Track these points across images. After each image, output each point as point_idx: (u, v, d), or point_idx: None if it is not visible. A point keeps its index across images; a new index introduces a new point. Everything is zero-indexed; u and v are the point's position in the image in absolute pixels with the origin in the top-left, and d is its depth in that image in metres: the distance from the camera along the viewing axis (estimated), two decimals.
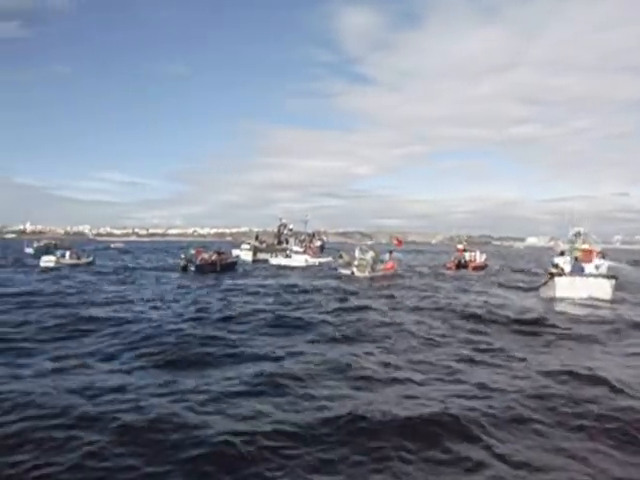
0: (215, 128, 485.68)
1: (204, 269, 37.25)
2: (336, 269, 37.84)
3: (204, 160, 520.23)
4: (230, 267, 40.58)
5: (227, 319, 16.69)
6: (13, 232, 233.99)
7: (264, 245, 60.94)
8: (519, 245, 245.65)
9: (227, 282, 30.73)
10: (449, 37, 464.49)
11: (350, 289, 26.87)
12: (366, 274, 33.63)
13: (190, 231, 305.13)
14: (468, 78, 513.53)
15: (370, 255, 35.24)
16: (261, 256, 56.83)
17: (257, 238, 63.18)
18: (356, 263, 34.47)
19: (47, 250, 61.96)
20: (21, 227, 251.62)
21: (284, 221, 63.59)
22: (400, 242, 54.95)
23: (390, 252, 38.80)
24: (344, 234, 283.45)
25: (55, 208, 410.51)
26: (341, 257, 36.88)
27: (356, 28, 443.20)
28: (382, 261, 36.12)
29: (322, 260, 57.78)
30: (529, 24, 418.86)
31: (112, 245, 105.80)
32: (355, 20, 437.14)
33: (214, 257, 39.33)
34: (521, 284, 31.90)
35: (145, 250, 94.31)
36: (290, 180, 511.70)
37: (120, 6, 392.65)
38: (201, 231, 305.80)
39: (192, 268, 37.36)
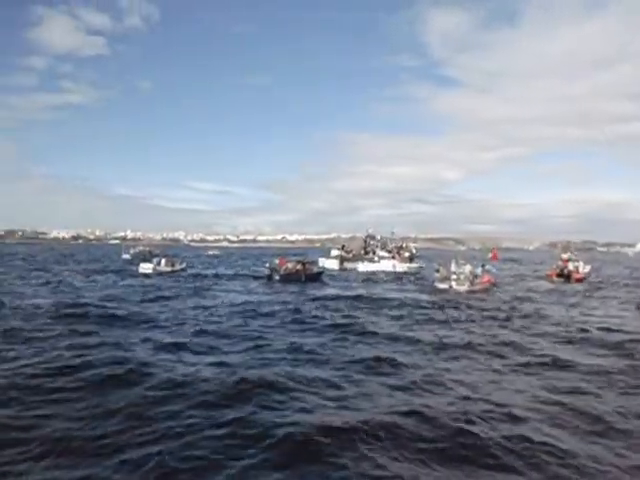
0: (299, 137, 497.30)
1: (288, 278, 37.29)
2: (432, 282, 36.07)
3: (290, 168, 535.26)
4: (315, 277, 39.92)
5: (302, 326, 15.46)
6: (116, 238, 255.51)
7: (351, 254, 61.63)
8: (628, 251, 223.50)
9: (310, 292, 30.32)
10: (545, 34, 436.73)
11: (451, 305, 24.98)
12: (465, 288, 31.91)
13: (279, 237, 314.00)
14: (565, 76, 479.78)
15: (468, 268, 33.51)
16: (348, 265, 57.71)
17: (343, 248, 64.22)
18: (454, 277, 32.81)
19: (144, 257, 66.54)
20: (122, 234, 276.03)
21: (371, 231, 62.75)
22: (496, 255, 52.42)
23: (483, 266, 36.34)
24: (435, 240, 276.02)
25: (151, 216, 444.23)
26: (438, 271, 35.09)
27: (442, 30, 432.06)
28: (476, 275, 33.88)
29: (412, 266, 55.72)
30: (635, 15, 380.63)
31: (209, 252, 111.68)
32: (441, 22, 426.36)
33: (298, 267, 39.15)
34: None
35: (237, 257, 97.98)
36: (377, 187, 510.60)
37: (200, 22, 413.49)
38: (290, 238, 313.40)
39: (277, 277, 37.82)
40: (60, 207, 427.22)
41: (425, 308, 24.02)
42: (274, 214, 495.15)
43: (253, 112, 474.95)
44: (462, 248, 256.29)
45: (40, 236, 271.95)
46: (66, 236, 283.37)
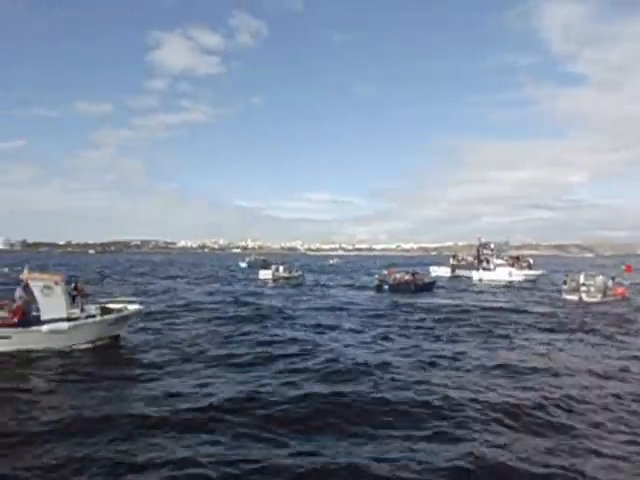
0: (413, 144, 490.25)
1: (397, 289, 37.61)
2: (559, 292, 34.51)
3: (404, 176, 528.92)
4: (427, 287, 39.76)
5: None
6: (237, 247, 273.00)
7: (463, 263, 61.04)
8: None
9: (421, 302, 30.44)
10: None
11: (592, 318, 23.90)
12: (597, 299, 30.53)
13: (394, 246, 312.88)
14: None
15: (601, 279, 31.77)
16: (461, 272, 57.35)
17: (455, 257, 64.51)
18: (584, 288, 31.28)
19: (259, 265, 74.51)
20: (243, 243, 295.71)
21: (483, 240, 60.96)
22: (630, 268, 47.86)
23: (613, 278, 33.85)
24: (557, 247, 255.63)
25: (270, 226, 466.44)
26: (565, 283, 33.53)
27: (560, 24, 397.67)
28: (608, 287, 31.81)
29: (530, 273, 52.88)
30: None
31: (330, 261, 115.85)
32: (559, 15, 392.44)
33: (407, 277, 39.28)
34: None
35: (354, 266, 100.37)
36: (494, 193, 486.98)
37: (304, 33, 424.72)
38: (405, 246, 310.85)
39: (386, 287, 38.40)
40: (187, 219, 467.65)
41: (567, 323, 22.73)
42: (389, 222, 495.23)
43: (363, 121, 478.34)
44: (589, 255, 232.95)
45: (169, 246, 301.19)
46: (193, 245, 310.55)
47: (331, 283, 48.99)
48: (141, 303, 18.73)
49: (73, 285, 16.91)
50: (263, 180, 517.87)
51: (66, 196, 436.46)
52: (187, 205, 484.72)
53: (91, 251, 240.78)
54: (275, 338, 17.69)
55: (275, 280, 48.10)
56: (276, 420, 9.34)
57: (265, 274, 50.01)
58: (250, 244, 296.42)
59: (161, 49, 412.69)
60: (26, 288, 15.43)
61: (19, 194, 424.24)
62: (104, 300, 18.35)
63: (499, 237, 65.38)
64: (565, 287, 33.51)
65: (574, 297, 31.55)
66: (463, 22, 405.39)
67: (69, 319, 15.22)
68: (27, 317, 15.11)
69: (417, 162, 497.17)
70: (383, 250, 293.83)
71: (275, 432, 8.82)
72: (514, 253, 62.27)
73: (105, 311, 16.52)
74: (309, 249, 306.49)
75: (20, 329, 14.66)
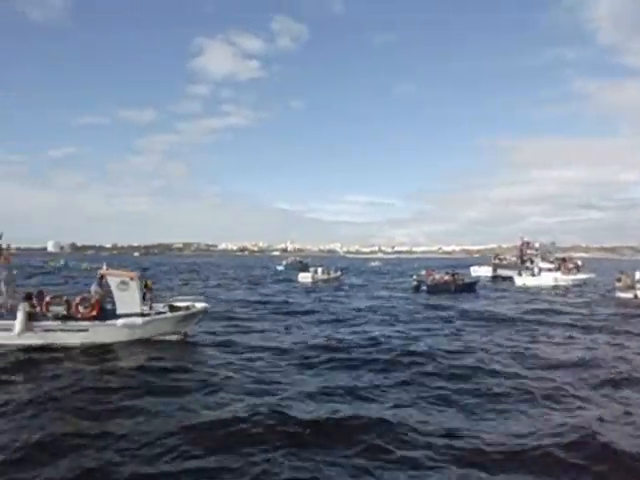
0: (453, 146, 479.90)
1: (436, 290, 37.20)
2: (613, 291, 33.68)
3: (444, 178, 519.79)
4: (467, 288, 39.15)
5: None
6: (277, 250, 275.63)
7: (505, 262, 59.62)
8: None
9: (461, 303, 30.04)
10: None
11: None
12: None
13: (435, 249, 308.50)
14: None
15: None
16: (502, 273, 55.79)
17: (497, 256, 63.33)
18: (639, 285, 30.63)
19: (301, 266, 74.80)
20: (283, 246, 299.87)
21: (526, 239, 59.38)
22: None
23: None
24: (609, 249, 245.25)
25: (309, 229, 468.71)
26: (619, 280, 32.55)
27: (608, 14, 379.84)
28: None
29: (578, 278, 50.68)
30: None
31: (372, 263, 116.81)
32: (606, 5, 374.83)
33: (446, 278, 38.82)
34: None
35: (393, 268, 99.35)
36: (540, 193, 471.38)
37: (344, 35, 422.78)
38: (446, 248, 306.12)
39: (424, 288, 38.08)
40: (228, 221, 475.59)
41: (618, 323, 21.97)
42: (429, 224, 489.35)
43: (403, 122, 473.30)
44: None
45: (210, 248, 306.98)
46: (233, 248, 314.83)
47: (369, 284, 49.14)
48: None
49: (143, 283, 17.66)
50: (304, 182, 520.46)
51: (112, 200, 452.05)
52: (229, 208, 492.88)
53: (136, 253, 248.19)
54: (343, 337, 18.02)
55: (314, 282, 48.73)
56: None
57: (304, 276, 50.78)
58: (289, 247, 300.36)
59: (204, 55, 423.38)
60: (101, 283, 16.26)
61: (68, 199, 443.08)
62: (167, 298, 19.18)
63: (545, 238, 62.93)
64: (619, 285, 32.59)
65: (629, 295, 30.82)
66: (507, 21, 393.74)
67: (142, 314, 15.89)
68: (103, 311, 15.84)
69: (459, 163, 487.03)
70: (423, 253, 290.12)
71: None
72: (561, 255, 60.22)
73: (172, 309, 17.07)
74: (348, 252, 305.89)
75: (97, 322, 15.41)
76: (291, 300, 31.56)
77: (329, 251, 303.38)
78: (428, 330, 19.77)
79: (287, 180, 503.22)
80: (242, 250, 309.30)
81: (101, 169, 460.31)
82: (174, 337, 16.73)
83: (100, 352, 14.62)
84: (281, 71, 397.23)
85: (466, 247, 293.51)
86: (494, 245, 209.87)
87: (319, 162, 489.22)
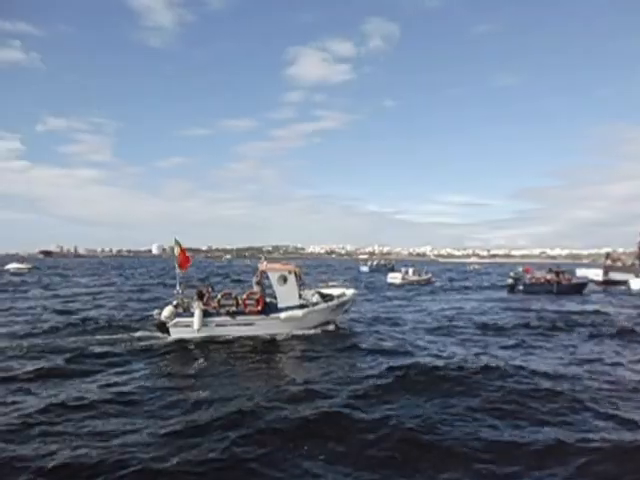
0: (561, 140, 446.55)
1: (535, 289, 32.44)
2: None
3: (550, 175, 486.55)
4: (574, 289, 33.88)
5: None
6: (364, 253, 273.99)
7: (619, 264, 53.30)
8: None
9: (567, 308, 25.69)
10: None
11: None
12: None
13: (537, 252, 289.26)
14: None
15: None
16: (616, 276, 49.83)
17: (608, 256, 57.66)
18: None
19: (389, 267, 75.51)
20: (371, 249, 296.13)
21: None
22: None
23: None
24: None
25: (398, 231, 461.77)
26: None
27: None
28: None
29: None
30: None
31: (469, 267, 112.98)
32: None
33: (549, 276, 33.70)
34: None
35: (493, 271, 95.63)
36: None
37: (437, 30, 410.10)
38: (550, 252, 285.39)
39: (520, 287, 33.42)
40: (317, 225, 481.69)
41: None
42: (531, 226, 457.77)
43: (502, 116, 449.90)
44: None
45: (299, 251, 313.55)
46: (320, 251, 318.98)
47: (459, 286, 46.93)
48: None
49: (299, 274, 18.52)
50: (394, 183, 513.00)
51: (212, 206, 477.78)
52: (318, 211, 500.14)
53: (228, 256, 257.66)
54: None
55: (403, 283, 47.39)
56: None
57: (393, 277, 49.95)
58: (377, 249, 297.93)
59: (297, 63, 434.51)
60: (261, 277, 17.49)
61: (173, 206, 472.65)
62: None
63: None
64: None
65: None
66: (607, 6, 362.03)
67: (302, 306, 16.93)
68: (267, 305, 16.98)
69: (568, 158, 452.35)
70: (523, 257, 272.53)
71: None
72: None
73: (322, 297, 17.95)
74: (439, 255, 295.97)
75: (262, 316, 16.64)
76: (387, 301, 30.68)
77: (418, 254, 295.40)
78: (522, 345, 16.12)
79: (377, 182, 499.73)
80: (329, 253, 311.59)
81: (203, 177, 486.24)
82: (330, 327, 17.79)
83: (266, 343, 15.88)
84: (372, 72, 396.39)
85: (574, 251, 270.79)
86: (608, 249, 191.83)
87: (411, 162, 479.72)
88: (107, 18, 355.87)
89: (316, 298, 17.65)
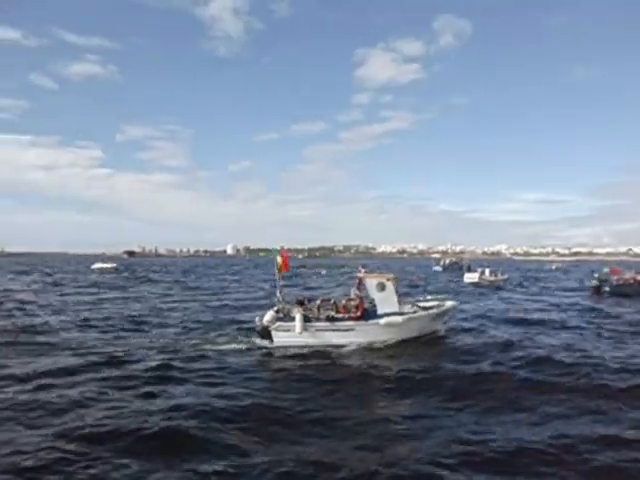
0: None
1: (623, 291, 31.44)
2: None
3: (628, 170, 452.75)
4: None
5: None
6: (436, 252, 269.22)
7: None
8: None
9: None
10: None
11: None
12: None
13: (623, 250, 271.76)
14: None
15: None
16: None
17: None
18: None
19: (458, 268, 75.20)
20: (443, 248, 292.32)
21: None
22: None
23: None
24: None
25: (471, 230, 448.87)
26: None
27: None
28: None
29: None
30: None
31: (553, 266, 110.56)
32: None
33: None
34: None
35: (575, 270, 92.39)
36: None
37: (508, 24, 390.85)
38: (637, 250, 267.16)
39: (606, 289, 32.45)
40: (388, 224, 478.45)
41: None
42: (616, 223, 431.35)
43: (583, 108, 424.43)
44: None
45: (370, 251, 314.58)
46: (392, 250, 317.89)
47: (538, 288, 45.78)
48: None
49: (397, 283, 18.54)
50: (467, 182, 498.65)
51: (282, 207, 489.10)
52: (389, 211, 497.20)
53: (300, 256, 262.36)
54: None
55: (480, 282, 46.88)
56: None
57: (470, 277, 49.49)
58: (450, 248, 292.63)
59: (365, 65, 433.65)
60: (359, 285, 17.67)
61: (244, 208, 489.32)
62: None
63: None
64: None
65: None
66: None
67: (401, 313, 16.95)
68: (366, 311, 17.11)
69: None
70: (608, 255, 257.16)
71: None
72: None
73: (421, 308, 18.08)
74: (515, 253, 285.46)
75: (362, 322, 16.72)
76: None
77: (493, 253, 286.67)
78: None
79: (449, 180, 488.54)
80: (401, 252, 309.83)
81: (273, 179, 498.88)
82: (429, 334, 17.71)
83: (366, 350, 16.01)
84: (442, 70, 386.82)
85: None
86: None
87: (484, 160, 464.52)
88: (178, 30, 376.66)
89: (414, 310, 17.77)
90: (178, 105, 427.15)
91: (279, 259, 17.97)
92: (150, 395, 10.81)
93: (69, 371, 12.80)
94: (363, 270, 17.74)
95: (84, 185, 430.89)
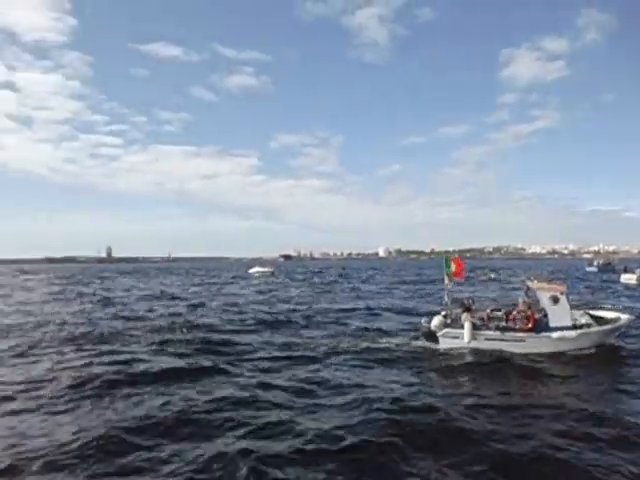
0: None
1: None
2: None
3: None
4: None
5: None
6: (588, 253, 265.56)
7: None
8: None
9: None
10: None
11: None
12: None
13: None
14: None
15: None
16: None
17: None
18: None
19: (611, 268, 77.67)
20: (596, 248, 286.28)
21: None
22: None
23: None
24: None
25: (626, 229, 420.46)
26: None
27: None
28: None
29: None
30: None
31: None
32: None
33: None
34: None
35: None
36: None
37: None
38: None
39: None
40: (537, 225, 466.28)
41: None
42: None
43: None
44: None
45: (519, 252, 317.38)
46: (542, 251, 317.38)
47: None
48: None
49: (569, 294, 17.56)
50: (622, 179, 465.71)
51: (431, 209, 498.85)
52: (538, 211, 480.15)
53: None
54: None
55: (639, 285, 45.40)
56: None
57: (628, 278, 48.18)
58: (602, 248, 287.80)
59: (511, 65, 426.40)
60: (527, 294, 17.71)
61: (393, 211, 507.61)
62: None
63: None
64: None
65: None
66: None
67: (574, 327, 16.30)
68: (538, 323, 16.64)
69: None
70: None
71: None
72: None
73: (593, 318, 17.17)
74: None
75: (532, 334, 16.37)
76: None
77: None
78: None
79: (602, 179, 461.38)
80: (552, 253, 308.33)
81: (421, 182, 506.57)
82: (601, 347, 16.74)
83: (536, 362, 15.24)
84: (589, 66, 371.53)
85: None
86: None
87: (635, 159, 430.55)
88: (325, 39, 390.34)
89: (585, 319, 16.88)
90: (329, 112, 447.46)
91: (453, 266, 18.26)
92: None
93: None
94: (535, 281, 17.34)
95: (241, 192, 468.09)
